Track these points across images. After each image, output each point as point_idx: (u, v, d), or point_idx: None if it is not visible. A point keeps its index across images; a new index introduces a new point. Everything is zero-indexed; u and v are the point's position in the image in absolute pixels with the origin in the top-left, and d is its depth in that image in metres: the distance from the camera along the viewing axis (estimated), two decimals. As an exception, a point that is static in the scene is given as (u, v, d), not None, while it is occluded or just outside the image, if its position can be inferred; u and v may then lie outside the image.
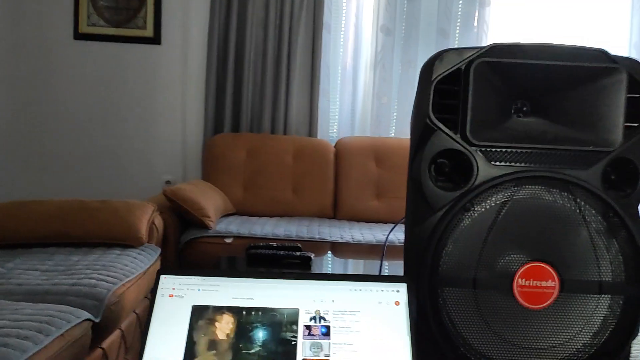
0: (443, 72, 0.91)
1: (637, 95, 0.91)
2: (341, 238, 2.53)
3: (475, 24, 3.39)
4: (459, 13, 3.39)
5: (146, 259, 2.01)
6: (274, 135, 3.26)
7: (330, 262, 2.08)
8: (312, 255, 1.76)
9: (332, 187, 3.11)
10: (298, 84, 3.39)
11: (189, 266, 2.43)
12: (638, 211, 0.94)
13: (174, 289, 0.89)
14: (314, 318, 0.86)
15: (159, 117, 3.47)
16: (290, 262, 1.75)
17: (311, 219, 2.93)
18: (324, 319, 0.86)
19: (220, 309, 0.87)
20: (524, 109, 0.95)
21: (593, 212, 0.90)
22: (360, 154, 3.14)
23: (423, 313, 0.89)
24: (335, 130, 3.50)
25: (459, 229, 0.89)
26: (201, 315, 0.86)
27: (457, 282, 0.88)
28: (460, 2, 3.37)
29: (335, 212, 3.10)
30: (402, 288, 0.89)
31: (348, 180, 3.10)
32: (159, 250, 2.16)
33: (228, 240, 2.48)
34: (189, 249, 2.49)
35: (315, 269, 1.76)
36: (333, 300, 0.87)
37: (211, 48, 3.31)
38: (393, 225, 2.75)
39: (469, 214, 0.89)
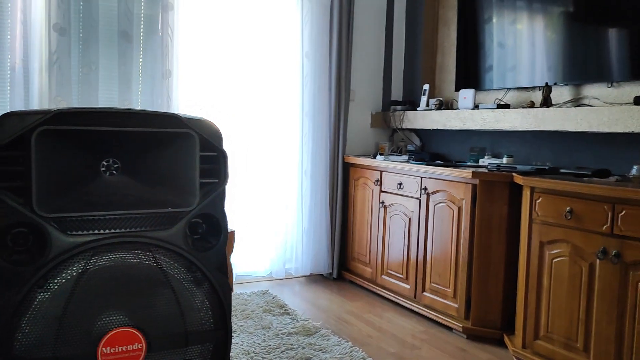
0: (5, 139, 0.83)
1: (211, 153, 0.97)
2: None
3: (160, 28, 3.35)
4: (142, 16, 3.30)
5: None
6: None
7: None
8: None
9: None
10: (-48, 89, 2.90)
11: None
12: (225, 260, 1.01)
13: None
14: None
15: None
16: None
17: None
18: None
19: None
20: (116, 166, 0.94)
21: (178, 268, 0.93)
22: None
23: (-4, 405, 0.82)
24: (7, 140, 3.10)
25: (34, 307, 0.83)
26: None
27: (34, 364, 0.83)
28: (143, 4, 3.28)
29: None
30: (-32, 383, 0.80)
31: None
32: None
33: None
34: None
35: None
36: None
37: None
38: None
39: (43, 291, 0.84)
